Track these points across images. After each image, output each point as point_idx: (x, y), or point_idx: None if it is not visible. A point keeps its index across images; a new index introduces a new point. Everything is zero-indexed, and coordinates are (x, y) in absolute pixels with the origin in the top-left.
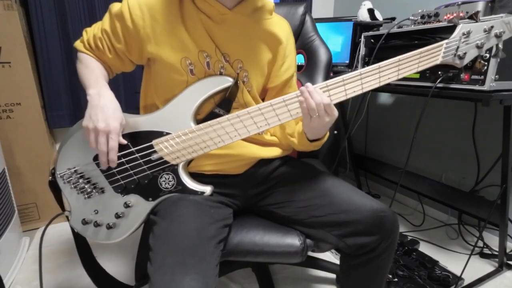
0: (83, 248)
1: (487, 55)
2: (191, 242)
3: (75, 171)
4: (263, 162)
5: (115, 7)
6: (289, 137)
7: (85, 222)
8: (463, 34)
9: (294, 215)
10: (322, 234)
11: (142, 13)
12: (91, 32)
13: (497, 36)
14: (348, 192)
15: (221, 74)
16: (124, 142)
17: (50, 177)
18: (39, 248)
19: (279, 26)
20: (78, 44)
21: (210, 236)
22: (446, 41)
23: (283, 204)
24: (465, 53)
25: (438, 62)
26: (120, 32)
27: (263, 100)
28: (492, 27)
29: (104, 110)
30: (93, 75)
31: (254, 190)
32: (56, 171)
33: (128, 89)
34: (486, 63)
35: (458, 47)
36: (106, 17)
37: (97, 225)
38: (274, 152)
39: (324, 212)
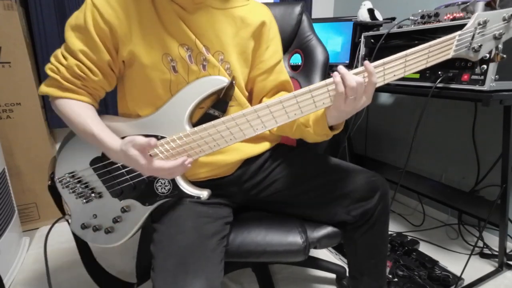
0: (84, 250)
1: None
2: (190, 241)
3: (73, 176)
4: (253, 157)
5: (78, 19)
6: (303, 127)
7: (84, 227)
8: (479, 24)
9: (295, 201)
10: (328, 212)
11: (114, 12)
12: (60, 66)
13: None
14: (339, 166)
15: (203, 67)
16: (153, 142)
17: (49, 182)
18: (44, 253)
19: (258, 11)
20: (50, 90)
21: (211, 234)
22: (459, 32)
23: (282, 193)
24: (480, 46)
25: (449, 56)
26: (98, 40)
27: (250, 90)
28: None
29: (128, 161)
30: (87, 132)
31: (249, 183)
32: (55, 176)
33: None
34: (504, 56)
35: (473, 39)
36: (72, 37)
37: (96, 229)
38: (263, 147)
39: (322, 190)
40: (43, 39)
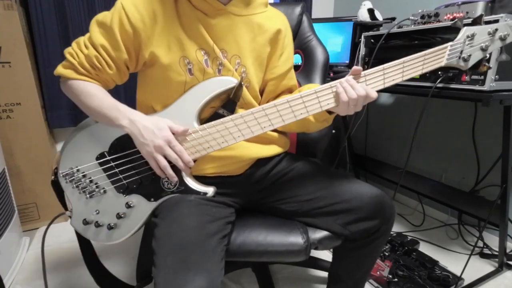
0: (86, 248)
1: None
2: (191, 239)
3: (78, 170)
4: (263, 160)
5: (106, 17)
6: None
7: (86, 222)
8: (468, 36)
9: (298, 209)
10: (327, 223)
11: (141, 16)
12: (80, 53)
13: (502, 39)
14: (347, 181)
15: (219, 71)
16: (187, 129)
17: (53, 177)
18: (42, 248)
19: (276, 18)
20: (66, 72)
21: (212, 233)
22: (450, 43)
23: (287, 200)
24: (469, 55)
25: (442, 64)
26: (120, 39)
27: (261, 93)
28: (496, 30)
29: (148, 130)
30: (107, 103)
31: (255, 187)
32: (58, 170)
33: (129, 88)
34: (490, 66)
35: (462, 50)
36: (96, 31)
37: (98, 225)
38: (273, 150)
39: (327, 202)
40: (43, 39)
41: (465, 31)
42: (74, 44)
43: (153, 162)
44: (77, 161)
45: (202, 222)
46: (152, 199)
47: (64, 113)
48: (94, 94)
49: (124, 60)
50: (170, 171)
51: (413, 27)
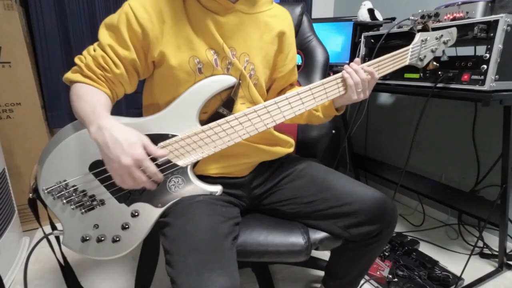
0: (69, 275)
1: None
2: (209, 239)
3: (67, 184)
4: (266, 162)
5: (112, 19)
6: (314, 112)
7: (84, 240)
8: (422, 41)
9: (299, 211)
10: (327, 225)
11: (149, 16)
12: (87, 56)
13: (445, 43)
14: (349, 184)
15: (227, 70)
16: (165, 153)
17: (31, 194)
18: (24, 271)
19: (282, 16)
20: (72, 76)
21: (226, 233)
22: (411, 46)
23: (287, 202)
24: (424, 56)
25: (407, 63)
26: (128, 39)
27: (268, 89)
28: (441, 35)
29: (116, 144)
30: (88, 107)
31: (258, 190)
32: (41, 186)
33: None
34: (437, 65)
35: (420, 52)
36: (104, 33)
37: (99, 240)
38: (279, 151)
39: (328, 205)
40: (43, 39)
41: (420, 36)
42: (84, 51)
43: (117, 179)
44: (64, 174)
45: (216, 222)
46: (160, 205)
47: (64, 113)
48: (83, 97)
49: (132, 60)
50: (138, 187)
51: None
